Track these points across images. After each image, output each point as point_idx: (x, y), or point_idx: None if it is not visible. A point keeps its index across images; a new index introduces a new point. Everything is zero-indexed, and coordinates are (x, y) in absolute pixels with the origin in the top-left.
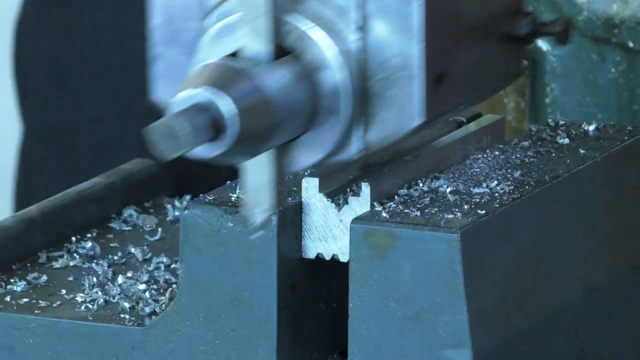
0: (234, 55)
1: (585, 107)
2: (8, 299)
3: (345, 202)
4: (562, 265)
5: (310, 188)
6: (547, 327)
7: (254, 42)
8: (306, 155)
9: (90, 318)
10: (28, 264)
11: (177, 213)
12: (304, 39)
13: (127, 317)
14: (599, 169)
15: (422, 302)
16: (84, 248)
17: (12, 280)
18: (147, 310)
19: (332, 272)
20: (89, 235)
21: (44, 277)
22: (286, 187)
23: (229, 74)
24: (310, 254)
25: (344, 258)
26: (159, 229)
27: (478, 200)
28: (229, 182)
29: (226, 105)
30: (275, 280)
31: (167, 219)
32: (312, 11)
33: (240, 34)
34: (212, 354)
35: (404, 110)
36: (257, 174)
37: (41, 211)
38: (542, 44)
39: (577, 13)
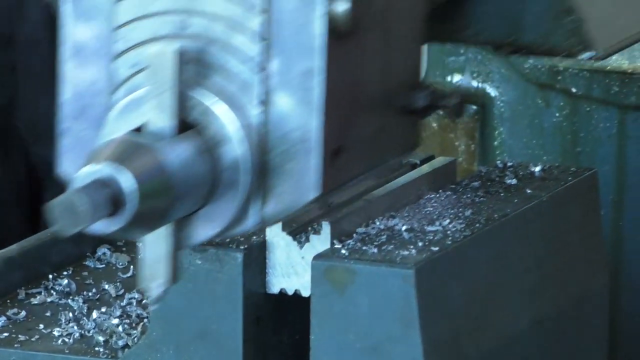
0: (139, 130)
1: (532, 150)
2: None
3: (307, 240)
4: (511, 298)
5: (274, 227)
6: (497, 357)
7: (158, 116)
8: (204, 228)
9: (67, 351)
10: (8, 301)
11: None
12: (207, 113)
13: (101, 350)
14: (545, 208)
15: (379, 334)
16: (60, 285)
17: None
18: (120, 343)
19: (295, 306)
20: (65, 272)
21: (23, 313)
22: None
23: (131, 150)
24: (274, 289)
25: (305, 293)
26: (131, 266)
27: (432, 237)
28: None
29: (126, 181)
30: (240, 314)
31: (139, 256)
32: (216, 86)
33: (145, 109)
34: None
35: (301, 183)
36: (155, 247)
37: (20, 250)
38: (490, 89)
39: (523, 60)
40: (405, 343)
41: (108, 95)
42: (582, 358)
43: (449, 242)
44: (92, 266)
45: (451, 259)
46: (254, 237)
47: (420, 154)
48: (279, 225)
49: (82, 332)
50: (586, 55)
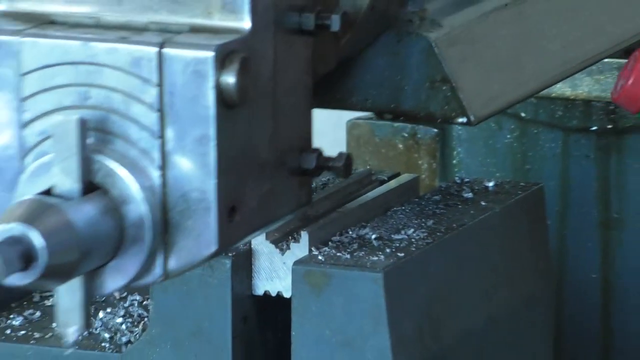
0: (48, 191)
1: (486, 167)
2: (8, 331)
3: (288, 247)
4: (468, 298)
5: (258, 236)
6: (456, 350)
7: (65, 179)
8: (112, 280)
9: (77, 347)
10: (24, 302)
11: None
12: (111, 175)
13: (107, 345)
14: (498, 218)
15: (352, 330)
16: None
17: (11, 316)
18: (124, 339)
19: (278, 306)
20: None
21: (38, 313)
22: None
23: (40, 210)
24: (259, 291)
25: (287, 294)
26: None
27: (398, 245)
28: None
29: (36, 238)
30: (229, 314)
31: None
32: (119, 151)
33: (53, 173)
34: None
35: (200, 239)
36: (68, 297)
37: None
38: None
39: None
40: (375, 338)
41: (19, 160)
42: (530, 353)
43: (413, 249)
44: None
45: (415, 263)
46: (241, 246)
47: (388, 172)
48: (264, 234)
49: (91, 330)
50: (460, 120)
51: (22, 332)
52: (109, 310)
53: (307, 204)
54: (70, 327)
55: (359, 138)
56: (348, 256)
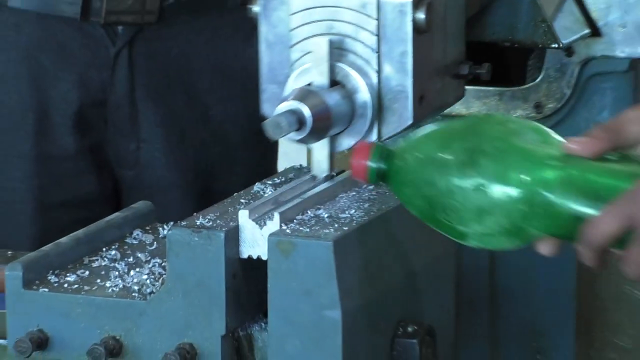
0: (309, 85)
1: None
2: (65, 285)
3: (265, 224)
4: (394, 259)
5: (243, 216)
6: (386, 297)
7: (319, 77)
8: (347, 140)
9: (114, 296)
10: (77, 264)
11: (165, 232)
12: (347, 75)
13: (136, 295)
14: None
15: (311, 283)
16: (110, 254)
17: (67, 275)
18: (148, 290)
19: (258, 266)
20: (113, 246)
21: (87, 272)
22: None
23: (307, 94)
24: (244, 255)
25: (264, 257)
26: (155, 242)
27: (343, 221)
28: (195, 213)
29: (305, 110)
30: (223, 272)
31: (160, 236)
32: (352, 61)
33: (311, 75)
34: (186, 316)
35: (402, 116)
36: (320, 151)
37: (85, 232)
38: None
39: None
40: (327, 288)
41: (289, 68)
42: (439, 302)
43: (354, 224)
44: (130, 242)
45: (355, 234)
46: (232, 223)
47: (336, 170)
48: (247, 214)
49: (124, 284)
50: (553, 46)
51: (75, 286)
52: (138, 269)
53: (461, 98)
54: (320, 170)
55: None
56: (308, 230)
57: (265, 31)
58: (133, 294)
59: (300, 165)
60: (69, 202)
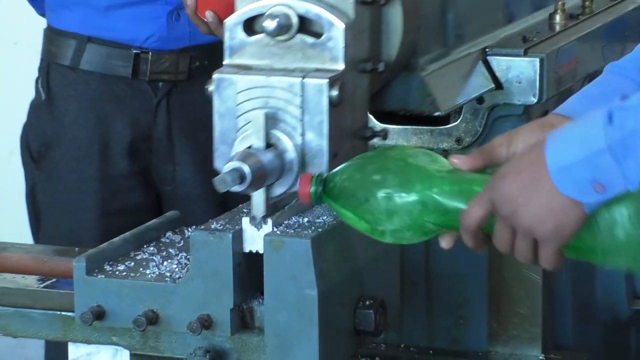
0: (249, 147)
1: None
2: (117, 272)
3: (261, 227)
4: (356, 251)
5: (245, 222)
6: (349, 280)
7: (257, 141)
8: (277, 190)
9: (152, 280)
10: (125, 257)
11: (189, 234)
12: (278, 139)
13: (168, 279)
14: None
15: (294, 269)
16: (149, 250)
17: (118, 265)
18: (177, 276)
19: (257, 259)
20: (152, 244)
21: (132, 263)
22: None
23: (247, 155)
24: (247, 250)
25: (261, 251)
26: (182, 241)
27: (318, 225)
28: (210, 220)
29: (246, 169)
30: (231, 262)
31: (185, 236)
32: (281, 127)
33: (251, 138)
34: (205, 294)
35: (320, 170)
36: (258, 197)
37: (131, 234)
38: None
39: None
40: (307, 274)
41: (235, 134)
42: (389, 281)
43: (326, 227)
44: (164, 241)
45: (328, 234)
46: (237, 226)
47: None
48: (247, 220)
49: (159, 272)
50: (435, 113)
51: (124, 273)
52: (169, 261)
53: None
54: (259, 212)
55: None
56: (292, 231)
57: (217, 105)
58: (166, 279)
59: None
60: (123, 210)
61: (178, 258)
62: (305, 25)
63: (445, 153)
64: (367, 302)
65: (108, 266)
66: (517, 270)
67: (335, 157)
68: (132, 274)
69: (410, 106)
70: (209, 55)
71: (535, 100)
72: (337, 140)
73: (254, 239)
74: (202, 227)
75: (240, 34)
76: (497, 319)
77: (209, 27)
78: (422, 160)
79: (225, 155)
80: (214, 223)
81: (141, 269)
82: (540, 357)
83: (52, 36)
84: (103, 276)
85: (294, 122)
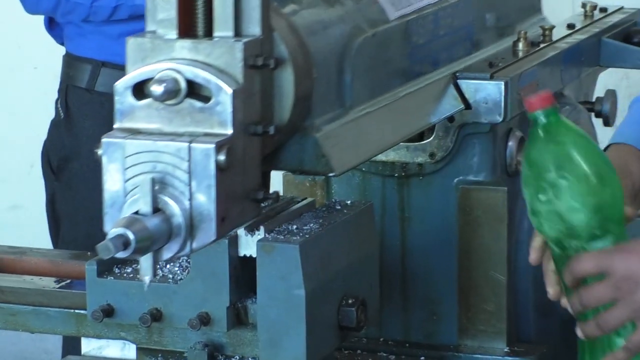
0: (137, 212)
1: (353, 197)
2: (125, 274)
3: (254, 233)
4: (338, 255)
5: (240, 229)
6: (333, 280)
7: (144, 206)
8: (166, 254)
9: (157, 281)
10: (132, 261)
11: None
12: (166, 204)
13: (171, 280)
14: (352, 219)
15: (285, 272)
16: None
17: (126, 267)
18: (179, 277)
19: (251, 262)
20: None
21: (138, 266)
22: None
23: (132, 221)
24: (241, 254)
25: (254, 255)
26: None
27: (306, 232)
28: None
29: (130, 235)
30: (227, 264)
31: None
32: (169, 192)
33: (139, 203)
34: (204, 294)
35: (208, 233)
36: (145, 262)
37: None
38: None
39: None
40: (295, 275)
41: (124, 197)
42: (369, 283)
43: (313, 233)
44: None
45: (314, 240)
46: (233, 233)
47: (300, 197)
48: (244, 227)
49: (163, 273)
50: (330, 174)
51: (131, 275)
52: (172, 263)
53: (259, 214)
54: (145, 277)
55: (288, 181)
56: (282, 237)
57: (106, 168)
58: (169, 280)
59: (277, 193)
60: None
61: (180, 261)
62: (195, 89)
63: (420, 167)
64: (350, 301)
65: (117, 269)
66: (484, 272)
67: (223, 221)
68: (138, 276)
69: (305, 167)
70: None
71: (500, 119)
72: (227, 204)
73: (248, 244)
74: None
75: (130, 98)
76: (467, 315)
77: None
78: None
79: (115, 219)
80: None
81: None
82: (505, 349)
83: (70, 61)
84: (112, 278)
85: (182, 186)
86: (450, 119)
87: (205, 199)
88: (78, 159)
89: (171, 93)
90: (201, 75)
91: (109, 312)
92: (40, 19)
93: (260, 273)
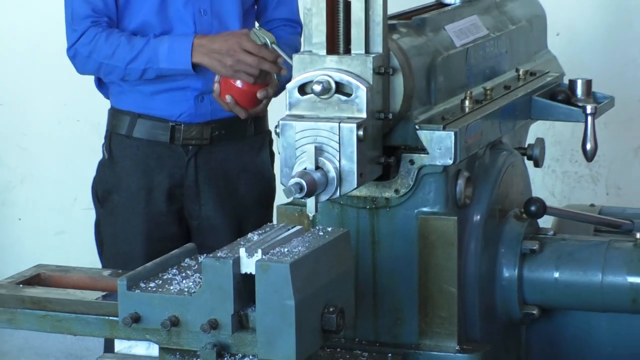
0: (305, 169)
1: (329, 225)
2: (149, 288)
3: (252, 256)
4: (321, 271)
5: (242, 251)
6: (318, 293)
7: (310, 165)
8: (324, 196)
9: (175, 294)
10: (155, 277)
11: (201, 260)
12: (324, 163)
13: (186, 293)
14: (331, 243)
15: (278, 285)
16: (172, 272)
17: (150, 282)
18: (193, 291)
19: (251, 278)
20: (174, 267)
21: (160, 282)
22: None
23: (304, 174)
24: (243, 272)
25: (254, 273)
26: (196, 265)
27: (296, 254)
28: (217, 249)
29: (304, 183)
30: (232, 280)
31: (199, 262)
32: (325, 157)
33: (306, 163)
34: (212, 304)
35: (351, 184)
36: (311, 201)
37: (160, 260)
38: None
39: None
40: (286, 289)
41: (294, 160)
42: (346, 295)
43: (301, 254)
44: (183, 265)
45: (302, 260)
46: (236, 255)
47: (291, 225)
48: (244, 250)
49: (180, 287)
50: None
51: (154, 288)
52: (187, 279)
53: (380, 174)
54: (310, 213)
55: (280, 212)
56: (276, 258)
57: (282, 141)
58: (184, 293)
59: (272, 224)
60: (163, 238)
61: (193, 277)
62: (340, 88)
63: (387, 200)
64: (331, 309)
65: (143, 283)
66: (439, 285)
67: (361, 176)
68: (160, 290)
69: (407, 142)
70: (226, 126)
71: (451, 162)
72: (363, 165)
73: (248, 264)
74: (211, 255)
75: (296, 94)
76: (425, 320)
77: (229, 107)
78: None
79: (288, 175)
80: (220, 252)
81: (166, 286)
82: (456, 348)
83: (114, 113)
84: (139, 291)
85: (334, 152)
86: (411, 161)
87: (349, 161)
88: (118, 192)
89: (325, 90)
90: (345, 78)
91: (136, 318)
92: (80, 83)
93: (258, 287)
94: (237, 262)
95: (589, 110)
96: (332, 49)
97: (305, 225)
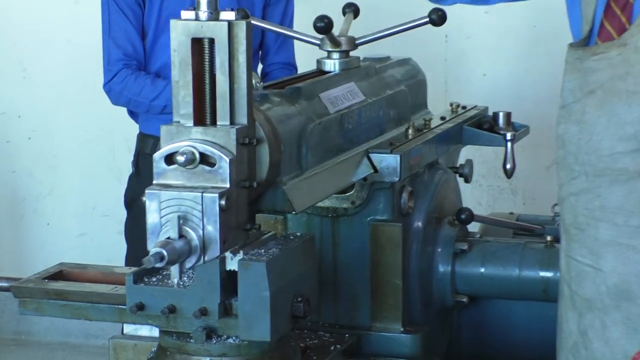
0: (168, 238)
1: (301, 230)
2: (151, 282)
3: (235, 256)
4: (291, 268)
5: (227, 253)
6: (288, 285)
7: (173, 233)
8: (187, 264)
9: (173, 287)
10: (156, 273)
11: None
12: (187, 232)
13: (182, 286)
14: (300, 245)
15: (256, 282)
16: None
17: (152, 278)
18: (187, 284)
19: (234, 274)
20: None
21: (161, 277)
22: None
23: (166, 243)
24: (228, 268)
25: (236, 269)
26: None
27: (271, 254)
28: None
29: (164, 252)
30: (219, 276)
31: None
32: (190, 225)
33: (169, 232)
34: (203, 295)
35: (214, 252)
36: (175, 269)
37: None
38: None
39: None
40: (262, 282)
41: (160, 228)
42: (310, 286)
43: (276, 255)
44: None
45: (276, 259)
46: (221, 255)
47: (267, 230)
48: (230, 251)
49: (176, 281)
50: (292, 212)
51: (156, 282)
52: (184, 273)
53: (245, 240)
54: (174, 279)
55: (259, 221)
56: (255, 257)
57: (148, 209)
58: (180, 286)
59: (260, 225)
60: None
61: (188, 274)
62: (205, 158)
63: (345, 210)
64: (299, 299)
65: (146, 278)
66: (387, 279)
67: (224, 243)
68: (160, 283)
69: (276, 208)
70: None
71: (397, 179)
72: (226, 232)
73: (232, 262)
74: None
75: (163, 164)
76: (376, 306)
77: None
78: None
79: (154, 242)
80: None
81: (166, 280)
82: (401, 329)
83: (141, 137)
84: (143, 284)
85: (197, 221)
86: (365, 178)
87: (212, 229)
88: (142, 200)
89: (189, 161)
90: (209, 149)
91: (141, 307)
92: (97, 115)
93: (240, 281)
94: (223, 261)
95: (508, 137)
96: (199, 120)
97: (279, 231)
